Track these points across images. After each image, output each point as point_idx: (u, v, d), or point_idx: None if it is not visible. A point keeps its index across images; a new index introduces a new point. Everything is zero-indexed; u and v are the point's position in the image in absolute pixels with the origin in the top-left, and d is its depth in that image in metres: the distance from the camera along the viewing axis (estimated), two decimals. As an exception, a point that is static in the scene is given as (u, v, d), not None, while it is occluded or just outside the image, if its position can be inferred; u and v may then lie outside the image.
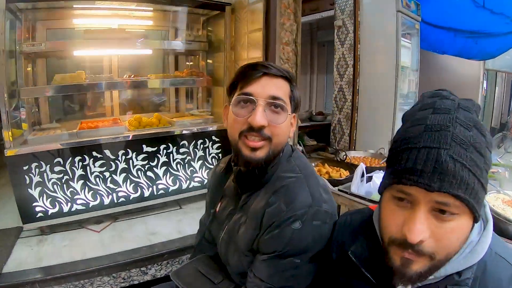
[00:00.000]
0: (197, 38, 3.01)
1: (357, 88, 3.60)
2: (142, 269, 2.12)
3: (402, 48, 3.51)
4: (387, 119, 3.42)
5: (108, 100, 2.95)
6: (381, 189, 0.69)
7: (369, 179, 1.84)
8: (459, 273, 0.65)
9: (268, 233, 0.88)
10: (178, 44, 2.99)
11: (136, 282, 2.12)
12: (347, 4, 3.63)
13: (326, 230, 0.88)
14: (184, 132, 2.67)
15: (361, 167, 1.77)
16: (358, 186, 1.72)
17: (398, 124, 3.39)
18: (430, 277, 0.65)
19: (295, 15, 2.50)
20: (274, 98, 0.89)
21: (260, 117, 0.86)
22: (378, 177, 1.77)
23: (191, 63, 3.49)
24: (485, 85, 9.54)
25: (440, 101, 0.65)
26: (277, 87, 0.91)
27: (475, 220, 0.63)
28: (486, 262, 0.65)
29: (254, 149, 0.89)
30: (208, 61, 3.29)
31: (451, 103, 0.64)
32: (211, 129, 2.79)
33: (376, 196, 1.66)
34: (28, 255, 2.07)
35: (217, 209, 1.12)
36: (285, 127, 0.93)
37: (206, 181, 2.82)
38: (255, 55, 2.57)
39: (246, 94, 0.89)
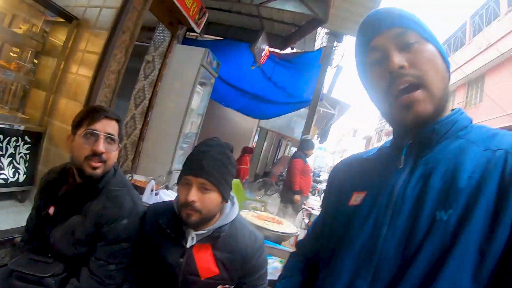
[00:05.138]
0: (35, 36, 3.18)
1: (148, 119, 4.32)
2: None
3: (195, 93, 4.48)
4: (169, 153, 4.25)
5: None
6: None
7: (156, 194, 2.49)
8: (220, 227, 1.33)
9: (106, 227, 1.35)
10: (13, 33, 3.06)
11: None
12: (163, 44, 4.46)
13: (140, 222, 1.44)
14: (2, 126, 2.73)
15: (152, 183, 2.39)
16: (148, 197, 2.33)
17: (177, 158, 4.30)
18: (205, 230, 1.32)
19: (126, 50, 3.09)
20: (110, 134, 1.37)
21: (101, 146, 1.34)
22: (164, 193, 2.43)
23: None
24: (256, 139, 12.37)
25: (208, 141, 1.37)
26: (112, 127, 1.40)
27: (224, 198, 1.32)
28: (236, 225, 1.38)
29: (94, 168, 1.35)
30: (35, 62, 3.39)
31: (214, 142, 1.36)
32: (26, 129, 2.94)
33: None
34: None
35: (50, 212, 1.48)
36: (115, 154, 1.44)
37: (10, 179, 2.91)
38: (85, 73, 2.97)
39: (92, 129, 1.34)
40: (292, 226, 2.48)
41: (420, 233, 0.64)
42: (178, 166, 4.37)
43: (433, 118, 0.72)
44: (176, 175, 4.16)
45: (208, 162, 1.29)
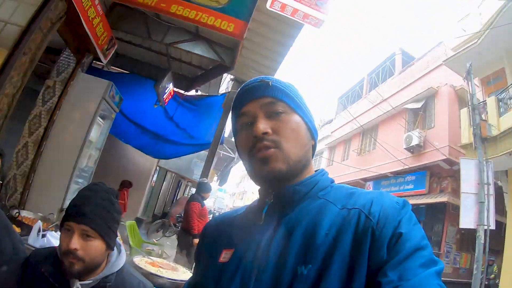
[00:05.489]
0: None
1: (42, 150, 3.97)
2: None
3: (96, 125, 4.30)
4: (62, 188, 3.95)
5: None
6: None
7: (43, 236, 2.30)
8: (107, 277, 1.30)
9: None
10: None
11: None
12: (66, 70, 4.18)
13: (21, 269, 1.32)
14: None
15: (39, 224, 2.22)
16: (35, 240, 2.14)
17: (71, 194, 4.00)
18: (91, 280, 1.27)
19: (24, 74, 2.89)
20: None
21: None
22: (52, 235, 2.26)
23: None
24: (155, 178, 12.06)
25: (92, 185, 1.37)
26: None
27: (109, 246, 1.29)
28: (124, 274, 1.36)
29: None
30: None
31: (98, 187, 1.35)
32: None
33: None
34: None
35: None
36: None
37: None
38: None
39: None
40: (188, 273, 2.46)
41: (284, 287, 0.69)
42: (71, 202, 4.05)
43: (288, 177, 0.79)
44: (68, 213, 3.88)
45: (91, 208, 1.27)
